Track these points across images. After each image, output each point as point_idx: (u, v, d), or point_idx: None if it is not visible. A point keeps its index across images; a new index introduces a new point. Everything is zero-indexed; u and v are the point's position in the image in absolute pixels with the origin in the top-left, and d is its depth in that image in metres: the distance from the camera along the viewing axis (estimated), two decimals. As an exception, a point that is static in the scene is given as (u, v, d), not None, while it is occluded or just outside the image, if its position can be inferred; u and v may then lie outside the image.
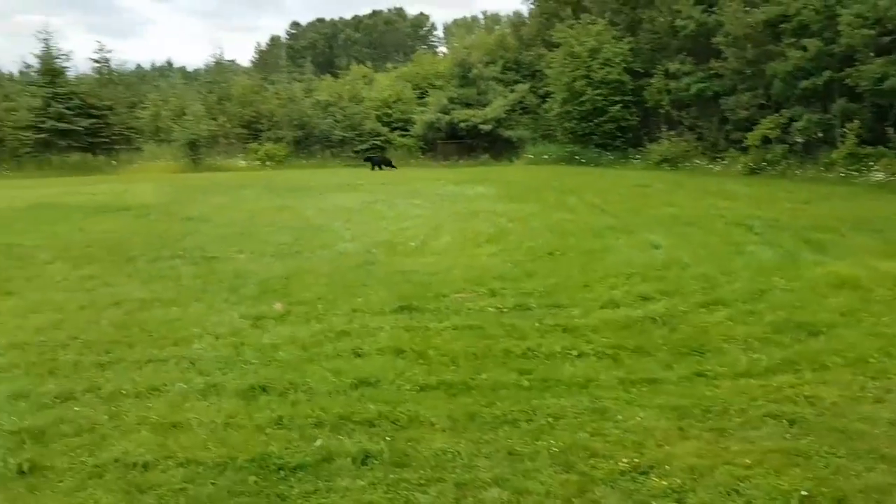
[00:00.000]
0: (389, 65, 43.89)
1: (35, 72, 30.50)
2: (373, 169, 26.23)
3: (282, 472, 3.80)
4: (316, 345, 5.73)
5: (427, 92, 32.73)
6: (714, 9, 23.30)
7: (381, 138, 30.64)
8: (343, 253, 9.40)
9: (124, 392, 4.84)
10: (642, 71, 26.34)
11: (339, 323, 6.26)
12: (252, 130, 32.01)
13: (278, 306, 6.80)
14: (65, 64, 29.91)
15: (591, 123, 26.60)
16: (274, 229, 11.39)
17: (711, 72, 23.47)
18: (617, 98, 26.26)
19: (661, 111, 25.67)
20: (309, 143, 31.28)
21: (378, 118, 31.32)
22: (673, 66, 24.76)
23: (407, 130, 31.23)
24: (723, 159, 22.90)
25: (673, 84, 24.74)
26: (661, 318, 6.25)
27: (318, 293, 7.23)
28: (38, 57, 29.77)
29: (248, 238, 10.58)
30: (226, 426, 4.33)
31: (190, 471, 3.82)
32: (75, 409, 4.61)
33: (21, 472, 3.88)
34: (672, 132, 25.23)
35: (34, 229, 11.43)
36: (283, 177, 23.02)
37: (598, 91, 26.08)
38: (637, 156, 25.89)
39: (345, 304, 6.80)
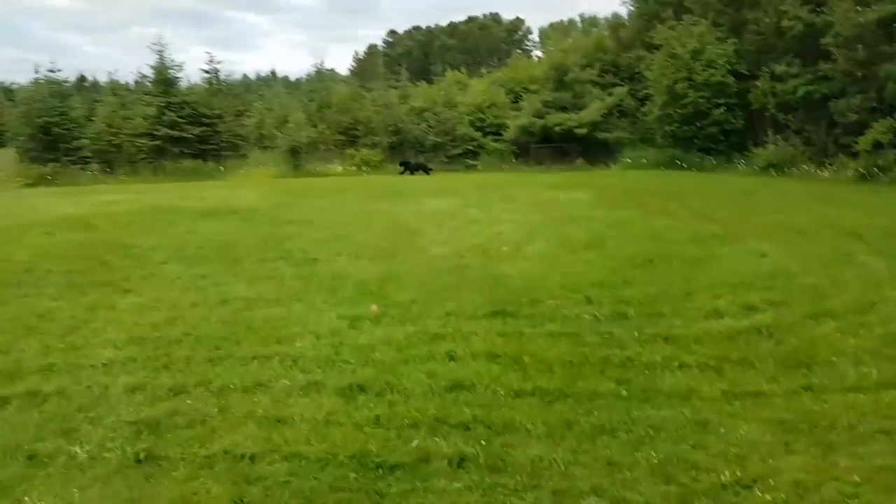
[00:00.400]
0: (484, 70, 44.09)
1: (150, 82, 32.45)
2: (402, 173, 26.61)
3: (380, 470, 3.90)
4: (411, 347, 5.83)
5: (521, 96, 32.67)
6: (822, 8, 22.12)
7: (474, 143, 30.79)
8: (437, 257, 9.50)
9: (232, 387, 5.09)
10: (747, 73, 25.30)
11: (433, 326, 6.34)
12: (349, 137, 32.90)
13: (374, 308, 6.95)
14: (177, 74, 31.69)
15: (692, 127, 25.76)
16: (370, 233, 11.66)
17: (820, 74, 22.29)
18: (720, 101, 25.33)
19: (767, 114, 24.56)
20: (403, 149, 31.81)
21: (471, 123, 31.49)
22: (779, 68, 23.67)
23: (500, 135, 31.24)
24: (831, 165, 21.67)
25: (779, 86, 23.64)
26: (767, 329, 6.01)
27: (413, 296, 7.35)
28: (152, 68, 31.66)
29: (345, 241, 10.87)
30: (327, 423, 4.48)
31: (294, 464, 3.98)
32: (187, 401, 4.88)
33: (138, 461, 4.16)
34: (778, 136, 24.09)
35: (150, 231, 12.17)
36: (378, 181, 23.53)
37: (700, 93, 25.24)
38: (741, 160, 24.85)
39: (439, 308, 6.88)
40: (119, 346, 6.00)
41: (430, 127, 31.67)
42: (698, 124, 25.59)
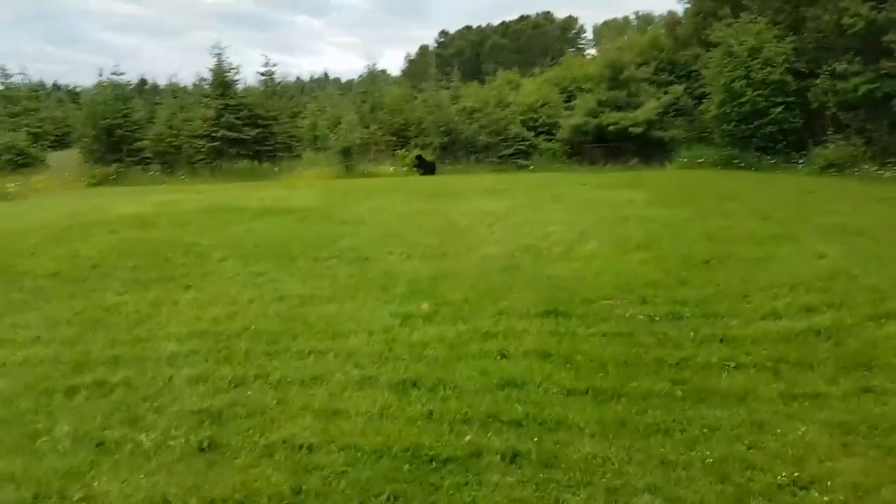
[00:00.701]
0: (536, 69, 43.80)
1: (209, 84, 33.35)
2: (417, 168, 27.19)
3: (433, 464, 3.97)
4: (462, 344, 5.90)
5: (574, 95, 32.40)
6: (884, 5, 21.33)
7: (526, 143, 30.67)
8: (488, 256, 9.55)
9: (290, 380, 5.24)
10: (806, 71, 24.57)
11: (484, 324, 6.39)
12: (401, 137, 33.18)
13: (425, 307, 7.04)
14: (235, 77, 32.47)
15: (750, 126, 25.15)
16: (421, 232, 11.77)
17: (882, 72, 21.47)
18: (779, 99, 24.65)
19: (827, 113, 23.80)
20: (454, 149, 31.91)
21: (523, 123, 31.38)
22: (840, 66, 22.92)
23: (553, 134, 31.04)
24: (893, 165, 20.88)
25: (840, 85, 22.88)
26: (826, 330, 5.89)
27: (464, 295, 7.41)
28: (211, 70, 32.53)
29: (397, 240, 11.01)
30: (381, 416, 4.58)
31: (350, 455, 4.09)
32: (247, 393, 5.05)
33: (201, 449, 4.32)
34: (839, 136, 23.32)
35: (209, 230, 12.55)
36: (429, 182, 23.67)
37: (758, 92, 24.63)
38: (801, 160, 24.13)
39: (490, 307, 6.92)
40: (182, 340, 6.23)
41: (482, 127, 31.68)
42: (756, 123, 24.97)
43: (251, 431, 4.47)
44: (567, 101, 32.69)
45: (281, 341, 6.11)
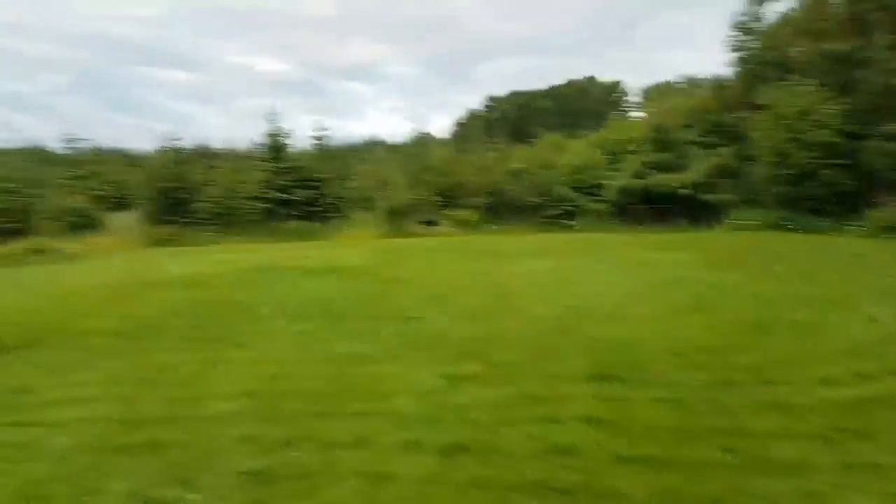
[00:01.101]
0: (582, 132, 44.20)
1: (262, 148, 34.54)
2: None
3: (481, 532, 3.89)
4: (511, 408, 5.83)
5: (621, 157, 32.52)
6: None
7: (572, 203, 30.75)
8: (536, 317, 9.49)
9: (337, 441, 5.24)
10: (858, 133, 24.25)
11: (533, 388, 6.31)
12: (447, 198, 33.63)
13: (474, 367, 7.00)
14: (287, 141, 33.62)
15: (801, 188, 24.78)
16: (468, 292, 11.80)
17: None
18: (830, 161, 24.32)
19: (880, 176, 23.34)
20: (500, 209, 32.16)
21: (569, 184, 31.54)
22: (891, 128, 22.58)
23: (598, 195, 31.08)
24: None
25: (892, 146, 22.51)
26: (885, 398, 5.66)
27: (512, 357, 7.35)
28: (265, 135, 33.77)
29: (444, 300, 11.04)
30: (428, 481, 4.53)
31: (396, 521, 4.04)
32: (295, 454, 5.06)
33: (250, 509, 4.33)
34: (893, 198, 22.80)
35: (260, 288, 12.81)
36: (475, 242, 23.83)
37: (808, 154, 24.35)
38: (854, 223, 23.59)
39: (539, 370, 6.85)
40: (232, 399, 6.31)
41: (528, 187, 31.93)
42: (806, 185, 24.61)
43: (299, 493, 4.46)
44: (613, 163, 32.80)
45: (328, 402, 6.13)
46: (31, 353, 8.40)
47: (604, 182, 31.05)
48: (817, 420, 5.32)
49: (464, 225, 30.31)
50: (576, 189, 31.48)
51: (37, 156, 60.96)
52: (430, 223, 29.03)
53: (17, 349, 8.56)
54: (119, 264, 19.35)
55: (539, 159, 33.49)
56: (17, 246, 23.50)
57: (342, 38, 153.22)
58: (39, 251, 23.20)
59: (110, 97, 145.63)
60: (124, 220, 34.51)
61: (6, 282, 16.43)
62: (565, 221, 30.21)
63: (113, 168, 51.62)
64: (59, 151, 52.23)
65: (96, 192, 39.74)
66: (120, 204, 44.16)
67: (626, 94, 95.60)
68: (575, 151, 34.61)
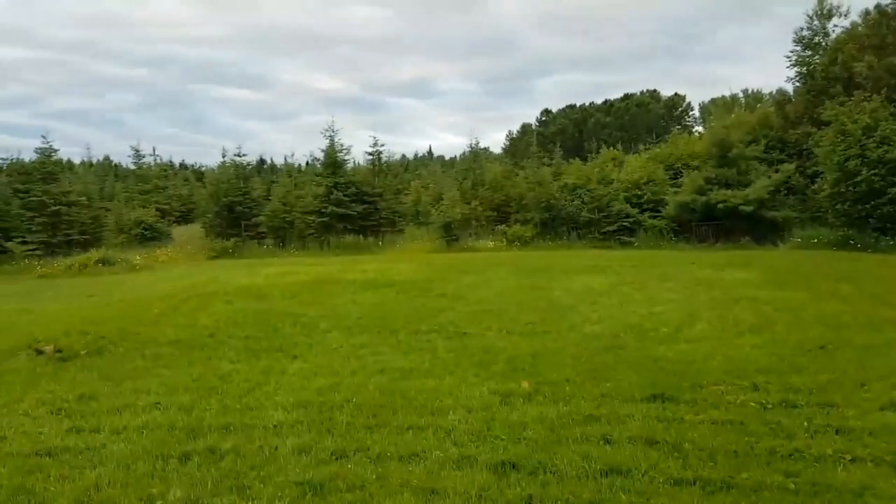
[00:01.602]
0: (641, 146, 43.72)
1: (320, 163, 35.21)
2: None
3: (532, 551, 3.86)
4: (564, 427, 5.77)
5: (681, 172, 31.96)
6: None
7: (630, 219, 30.32)
8: (591, 335, 9.40)
9: (389, 454, 5.28)
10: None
11: (587, 407, 6.25)
12: (501, 213, 33.62)
13: (525, 385, 6.96)
14: (344, 157, 34.20)
15: (867, 206, 23.86)
16: (522, 308, 11.77)
17: None
18: (897, 179, 23.36)
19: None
20: (555, 225, 31.95)
21: (627, 199, 31.12)
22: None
23: (658, 212, 30.57)
24: None
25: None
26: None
27: (566, 374, 7.29)
28: (323, 151, 34.41)
29: (497, 316, 11.04)
30: (479, 498, 4.52)
31: (447, 536, 4.04)
32: (348, 466, 5.12)
33: (303, 519, 4.40)
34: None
35: (316, 301, 13.05)
36: (529, 257, 23.73)
37: (874, 171, 23.43)
38: (922, 242, 22.58)
39: (593, 388, 6.77)
40: (288, 409, 6.44)
41: (584, 203, 31.64)
42: (873, 203, 23.69)
43: (351, 505, 4.51)
44: (673, 179, 32.27)
45: (381, 415, 6.19)
46: (96, 360, 8.76)
47: (664, 198, 30.54)
48: (880, 444, 5.12)
49: (518, 240, 30.23)
50: (634, 205, 31.04)
51: (107, 170, 63.71)
52: (483, 238, 29.00)
53: (83, 356, 8.93)
54: (182, 275, 19.99)
55: (596, 174, 33.18)
56: (87, 257, 24.52)
57: (398, 56, 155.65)
58: (108, 262, 24.15)
59: (178, 115, 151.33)
60: (188, 233, 35.66)
61: (76, 291, 17.16)
62: (623, 238, 29.81)
63: (179, 182, 53.56)
64: (129, 166, 54.36)
65: (162, 206, 41.21)
66: (185, 217, 45.75)
67: (687, 108, 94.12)
68: (634, 166, 34.16)
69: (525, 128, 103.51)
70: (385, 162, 36.86)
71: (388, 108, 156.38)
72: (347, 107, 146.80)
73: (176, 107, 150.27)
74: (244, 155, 36.07)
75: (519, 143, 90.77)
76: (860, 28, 29.81)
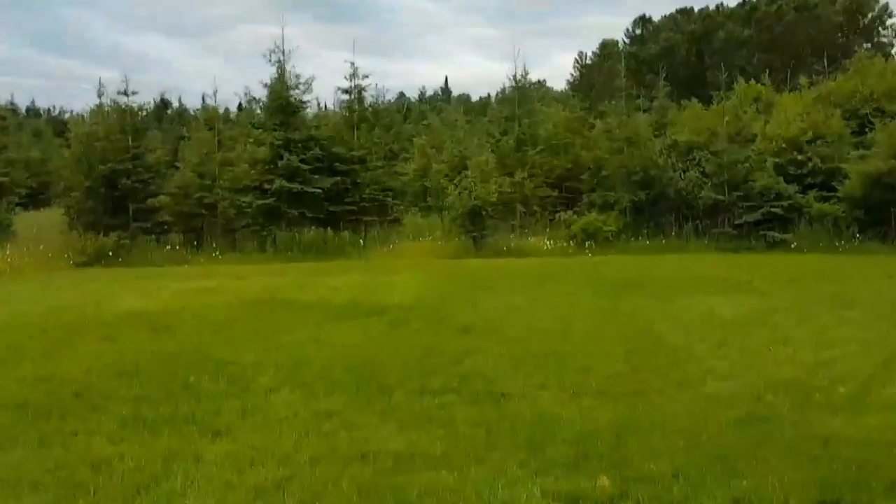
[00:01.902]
0: (803, 78, 43.37)
1: (261, 109, 35.27)
2: None
3: None
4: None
5: (872, 123, 31.72)
6: None
7: (784, 202, 30.10)
8: (715, 397, 9.36)
9: None
10: None
11: (706, 521, 6.23)
12: (565, 192, 33.58)
13: (605, 482, 6.94)
14: (303, 97, 34.21)
15: None
16: (598, 351, 11.75)
17: None
18: None
19: None
20: (656, 212, 31.87)
21: (778, 169, 30.92)
22: None
23: (833, 189, 30.31)
24: None
25: None
26: None
27: (674, 464, 7.25)
28: (266, 87, 34.38)
29: (556, 363, 11.02)
30: None
31: None
32: None
33: None
34: None
35: (253, 338, 13.06)
36: (612, 265, 23.64)
37: None
38: None
39: (719, 488, 6.73)
40: (204, 521, 6.45)
41: (705, 175, 31.49)
42: None
43: None
44: (858, 133, 32.06)
45: (361, 539, 6.19)
46: None
47: (842, 166, 30.26)
48: None
49: (593, 237, 30.17)
50: (792, 178, 30.82)
51: None
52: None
53: None
54: (32, 293, 20.13)
55: (727, 126, 33.02)
56: None
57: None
58: None
59: (25, 25, 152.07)
60: (41, 223, 35.82)
61: None
62: (773, 234, 29.64)
63: (25, 138, 54.00)
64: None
65: (-4, 178, 41.33)
66: (35, 198, 46.09)
67: (882, 14, 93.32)
68: (791, 112, 33.97)
69: (607, 47, 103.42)
70: (371, 105, 36.90)
71: (376, 12, 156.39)
72: (308, 9, 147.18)
73: (20, 10, 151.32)
74: (134, 93, 35.88)
75: (596, 74, 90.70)
76: None
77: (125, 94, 35.28)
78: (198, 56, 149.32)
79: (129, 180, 33.01)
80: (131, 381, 10.47)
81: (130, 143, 33.86)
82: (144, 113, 38.58)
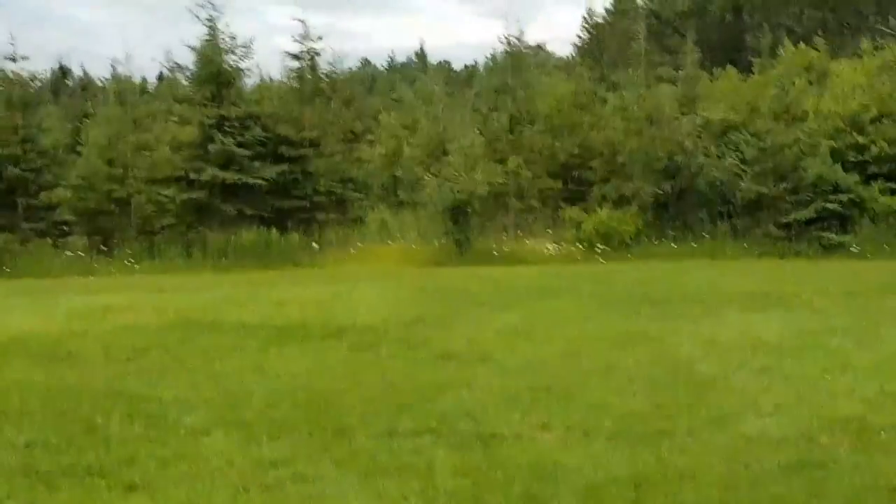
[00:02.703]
0: (864, 41, 43.58)
1: (188, 78, 35.20)
2: None
3: None
4: None
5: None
6: None
7: (843, 196, 30.27)
8: (756, 439, 9.39)
9: None
10: None
11: None
12: (571, 184, 33.65)
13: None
14: (239, 63, 34.13)
15: None
16: (613, 382, 11.80)
17: None
18: None
19: None
20: (684, 208, 31.98)
21: (835, 155, 31.08)
22: None
23: (900, 181, 30.55)
24: None
25: None
26: None
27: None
28: (193, 50, 34.28)
29: (560, 398, 11.04)
30: None
31: None
32: None
33: None
34: None
35: (177, 369, 13.03)
36: (630, 274, 23.71)
37: None
38: None
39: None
40: None
41: (744, 163, 31.63)
42: None
43: None
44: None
45: None
46: None
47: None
48: None
49: (606, 239, 30.26)
50: (851, 165, 31.00)
51: None
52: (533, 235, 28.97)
53: None
54: None
55: (771, 101, 33.19)
56: None
57: None
58: None
59: None
60: None
61: None
62: (828, 235, 29.81)
63: None
64: None
65: None
66: None
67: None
68: (849, 84, 34.19)
69: (622, 3, 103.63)
70: (327, 74, 36.87)
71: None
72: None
73: None
74: (25, 58, 35.54)
75: (608, 36, 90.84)
76: None
77: (12, 59, 35.10)
78: (106, 9, 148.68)
79: (17, 168, 32.74)
80: (20, 423, 10.40)
81: (20, 122, 33.66)
82: (38, 83, 38.32)
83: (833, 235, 29.69)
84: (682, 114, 33.92)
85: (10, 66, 34.74)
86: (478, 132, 35.28)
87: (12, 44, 33.46)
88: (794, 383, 11.55)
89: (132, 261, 30.43)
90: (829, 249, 29.13)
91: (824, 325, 15.35)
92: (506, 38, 36.18)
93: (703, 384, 11.63)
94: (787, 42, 46.03)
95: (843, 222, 29.91)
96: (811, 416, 10.05)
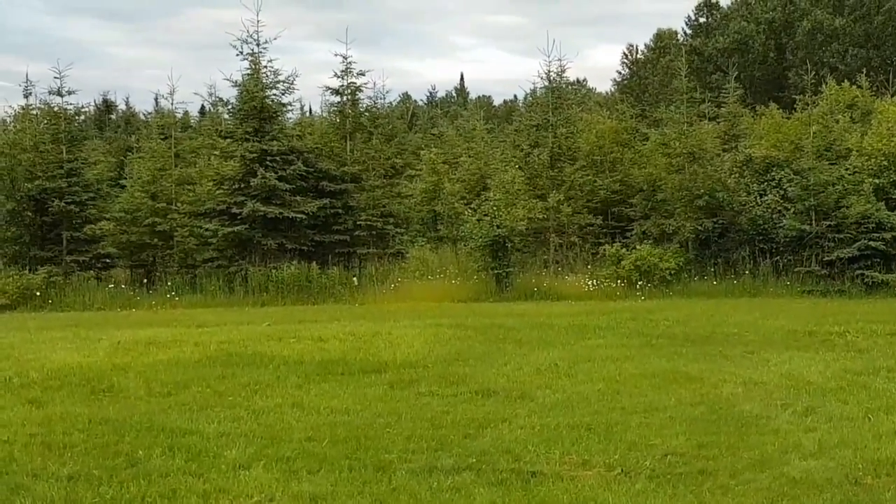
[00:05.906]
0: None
1: (230, 113, 35.27)
2: None
3: None
4: None
5: None
6: None
7: (887, 235, 30.06)
8: (800, 480, 9.30)
9: None
10: None
11: None
12: (611, 220, 33.57)
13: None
14: (281, 98, 34.22)
15: None
16: (656, 421, 11.75)
17: None
18: None
19: None
20: (726, 245, 31.83)
21: (880, 192, 30.89)
22: None
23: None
24: None
25: None
26: None
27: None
28: (237, 86, 34.33)
29: (600, 437, 11.01)
30: None
31: None
32: None
33: None
34: None
35: (217, 403, 13.06)
36: (670, 311, 23.57)
37: None
38: None
39: None
40: None
41: (787, 200, 31.48)
42: None
43: None
44: None
45: None
46: None
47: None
48: None
49: (647, 276, 30.15)
50: (895, 203, 30.76)
51: None
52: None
53: None
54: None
55: (814, 137, 33.05)
56: None
57: None
58: None
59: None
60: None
61: None
62: (872, 274, 29.58)
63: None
64: None
65: None
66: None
67: None
68: (894, 120, 33.98)
69: (662, 39, 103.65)
70: (368, 109, 36.91)
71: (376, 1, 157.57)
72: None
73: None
74: (70, 92, 35.61)
75: (649, 72, 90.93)
76: None
77: (59, 93, 35.10)
78: (149, 47, 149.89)
79: (62, 202, 32.81)
80: (63, 456, 10.45)
81: (65, 155, 33.81)
82: (82, 118, 38.55)
83: (877, 274, 29.45)
84: (724, 151, 33.84)
85: (56, 101, 34.93)
86: (518, 168, 35.20)
87: (58, 79, 33.66)
88: (837, 424, 11.46)
89: (173, 294, 30.50)
90: (872, 288, 28.90)
91: (868, 365, 15.25)
92: (546, 73, 36.21)
93: (745, 424, 11.57)
94: (830, 80, 45.85)
95: (886, 260, 29.68)
96: (855, 458, 9.97)
